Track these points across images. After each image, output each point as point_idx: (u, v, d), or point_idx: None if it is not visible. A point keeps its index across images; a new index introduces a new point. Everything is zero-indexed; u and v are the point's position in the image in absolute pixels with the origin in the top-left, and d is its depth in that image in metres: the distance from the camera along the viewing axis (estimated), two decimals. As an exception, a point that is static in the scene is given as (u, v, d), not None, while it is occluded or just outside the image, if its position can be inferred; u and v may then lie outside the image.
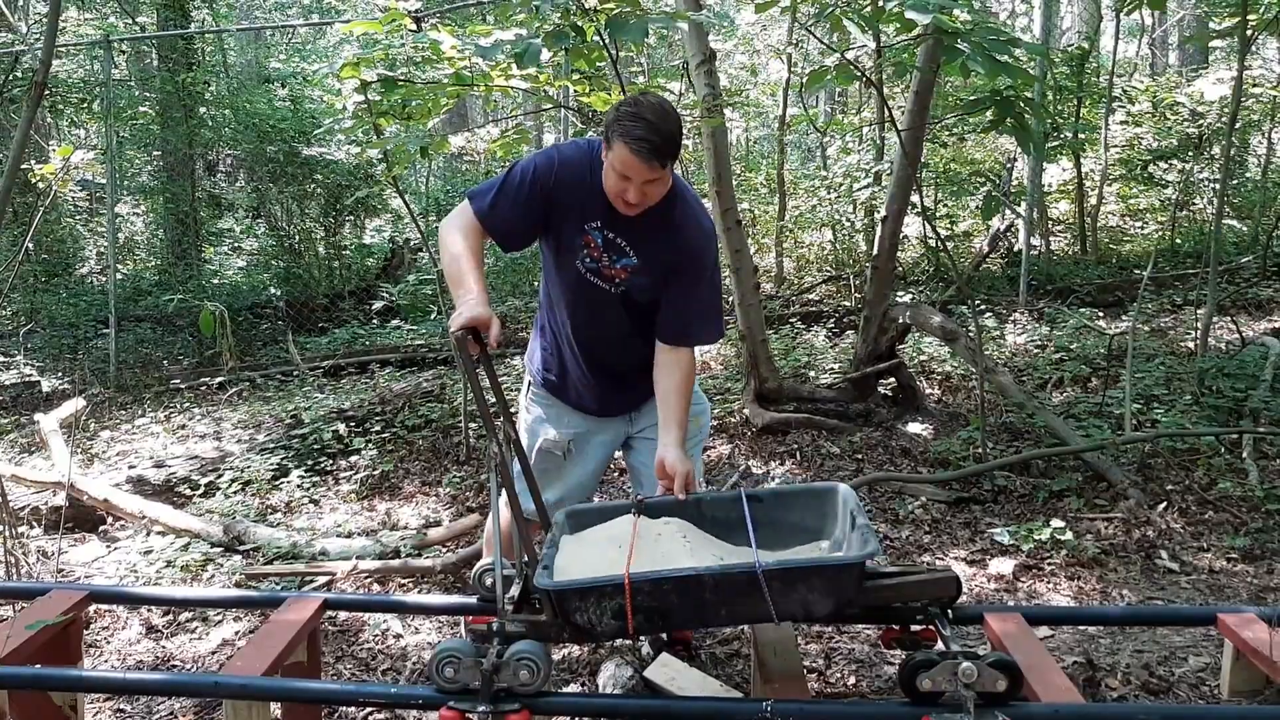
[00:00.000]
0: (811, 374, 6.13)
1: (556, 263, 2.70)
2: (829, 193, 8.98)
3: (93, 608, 3.52)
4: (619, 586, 2.08)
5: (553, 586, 2.13)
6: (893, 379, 5.54)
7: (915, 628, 2.36)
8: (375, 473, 5.10)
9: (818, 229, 9.67)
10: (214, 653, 3.44)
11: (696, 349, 2.76)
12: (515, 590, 2.34)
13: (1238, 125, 8.46)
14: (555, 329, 2.82)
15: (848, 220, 8.98)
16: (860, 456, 4.90)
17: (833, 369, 6.14)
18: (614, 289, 2.67)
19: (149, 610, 3.69)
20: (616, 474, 4.80)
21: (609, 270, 2.64)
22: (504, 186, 2.58)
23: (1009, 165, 9.66)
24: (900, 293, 7.74)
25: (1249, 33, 5.35)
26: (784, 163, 9.72)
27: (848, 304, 7.93)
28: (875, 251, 5.50)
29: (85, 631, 3.35)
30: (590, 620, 2.12)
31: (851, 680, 3.00)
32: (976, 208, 9.44)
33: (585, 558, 2.32)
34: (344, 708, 2.92)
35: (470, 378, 2.32)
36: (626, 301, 2.69)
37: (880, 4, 3.93)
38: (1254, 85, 9.19)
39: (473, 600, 2.74)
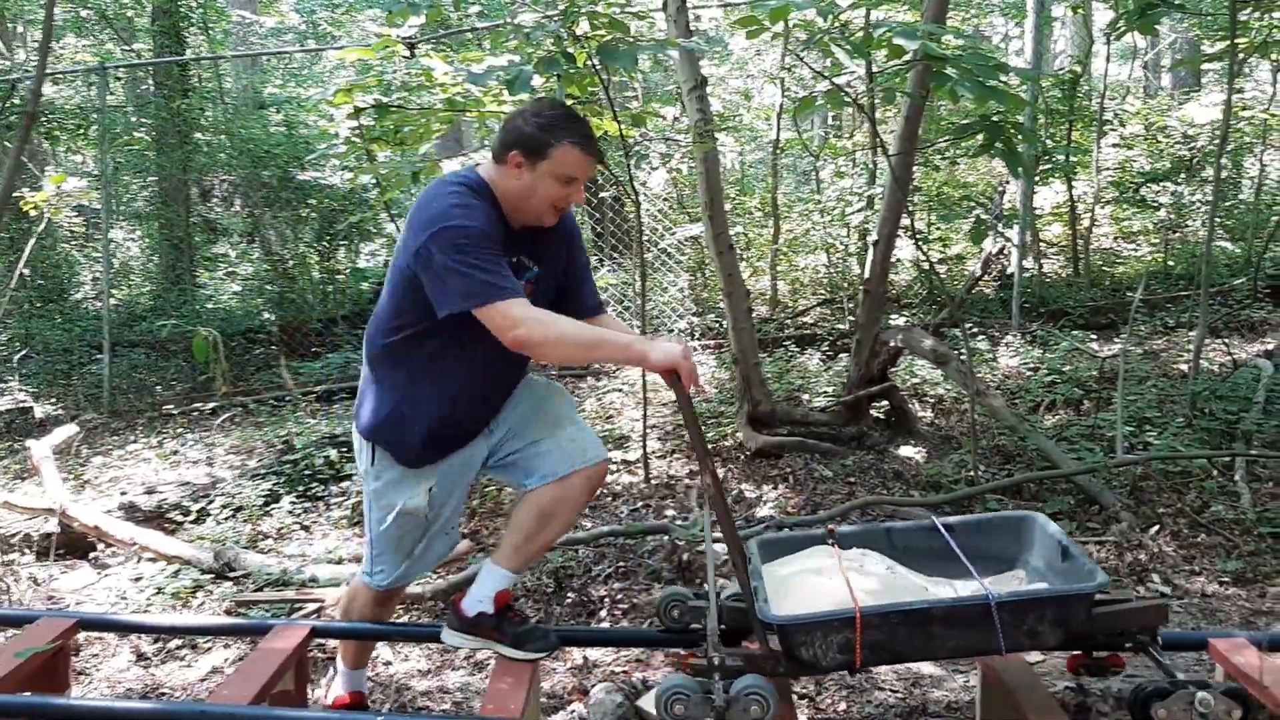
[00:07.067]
0: (805, 397, 6.14)
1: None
2: (822, 216, 9.01)
3: (82, 635, 3.51)
4: (848, 620, 2.06)
5: (782, 620, 2.10)
6: (885, 402, 5.55)
7: (1099, 654, 2.34)
8: (367, 498, 5.09)
9: (811, 252, 9.69)
10: (203, 680, 3.43)
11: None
12: (714, 622, 2.27)
13: (1229, 148, 8.50)
14: (450, 379, 2.51)
15: (841, 244, 9.01)
16: (853, 480, 4.89)
17: (826, 392, 6.14)
18: None
19: (138, 637, 3.68)
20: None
21: None
22: (492, 260, 2.36)
23: (1001, 189, 9.69)
24: (893, 316, 7.76)
25: (1239, 56, 5.40)
26: (778, 186, 9.76)
27: (841, 327, 7.95)
28: (867, 275, 5.51)
29: (74, 659, 3.34)
30: (815, 654, 2.10)
31: (843, 706, 2.99)
32: (968, 231, 9.46)
33: (790, 589, 2.30)
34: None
35: (688, 413, 2.34)
36: None
37: (870, 31, 3.97)
38: (1244, 108, 9.24)
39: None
